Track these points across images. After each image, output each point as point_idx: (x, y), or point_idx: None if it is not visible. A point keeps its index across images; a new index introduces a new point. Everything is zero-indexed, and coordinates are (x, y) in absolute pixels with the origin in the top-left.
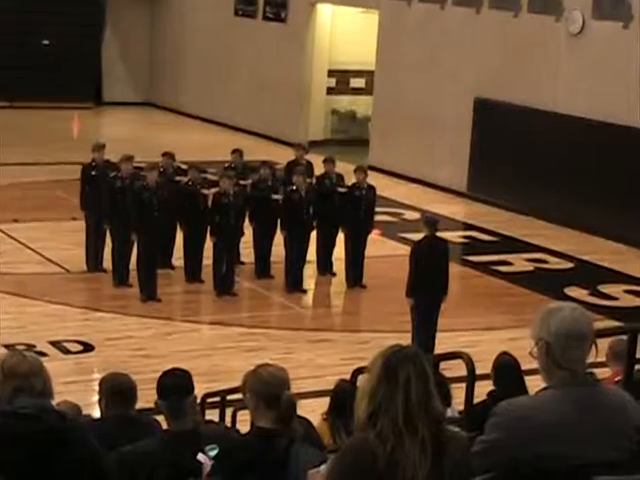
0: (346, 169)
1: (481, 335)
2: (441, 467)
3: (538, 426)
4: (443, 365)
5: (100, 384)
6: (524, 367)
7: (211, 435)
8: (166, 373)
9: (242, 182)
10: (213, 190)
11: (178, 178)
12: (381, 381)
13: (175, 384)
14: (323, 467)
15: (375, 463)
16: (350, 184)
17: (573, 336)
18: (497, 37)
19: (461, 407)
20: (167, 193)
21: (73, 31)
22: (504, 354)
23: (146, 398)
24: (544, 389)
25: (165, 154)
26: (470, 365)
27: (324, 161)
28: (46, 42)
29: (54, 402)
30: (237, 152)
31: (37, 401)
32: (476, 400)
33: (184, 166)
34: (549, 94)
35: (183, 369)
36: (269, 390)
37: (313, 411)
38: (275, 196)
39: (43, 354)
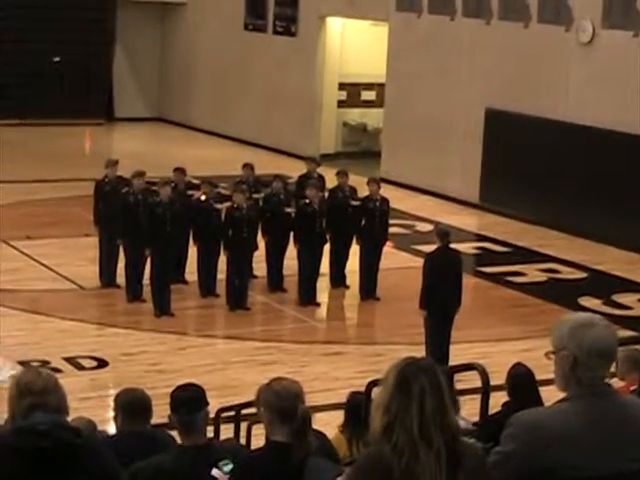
0: (358, 181)
1: (495, 346)
2: (457, 478)
3: (554, 437)
4: (457, 376)
5: (115, 400)
6: (538, 377)
7: (224, 450)
8: (179, 388)
9: (255, 196)
10: (226, 204)
11: (190, 193)
12: (395, 393)
13: (188, 399)
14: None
15: (390, 476)
16: (363, 196)
17: (605, 356)
18: (507, 48)
19: (475, 418)
20: (180, 208)
21: (84, 48)
22: (519, 365)
23: (161, 413)
24: (560, 401)
25: (177, 169)
26: (484, 376)
27: (337, 174)
28: (57, 59)
29: (69, 418)
30: (248, 166)
31: (52, 417)
32: (491, 411)
33: (196, 181)
34: (560, 104)
35: (196, 384)
36: (283, 404)
37: (327, 424)
38: (288, 209)
39: (57, 370)
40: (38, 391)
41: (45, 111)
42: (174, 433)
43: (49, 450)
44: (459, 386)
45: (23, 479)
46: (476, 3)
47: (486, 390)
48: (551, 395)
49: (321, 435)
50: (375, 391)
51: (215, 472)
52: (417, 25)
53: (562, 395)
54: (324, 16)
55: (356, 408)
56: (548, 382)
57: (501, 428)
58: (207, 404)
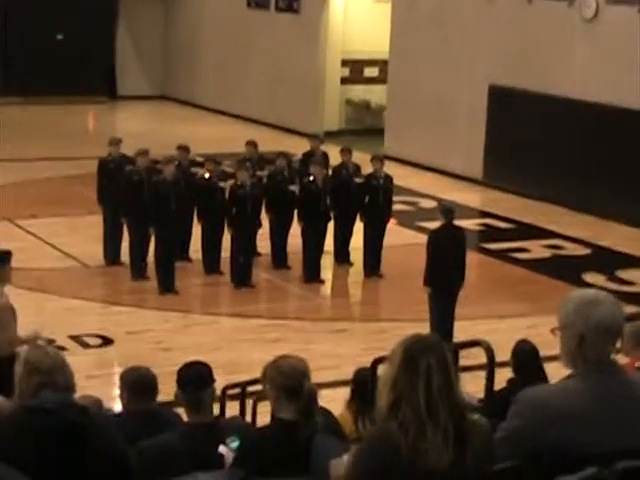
0: (361, 159)
1: (499, 323)
2: (464, 455)
3: (559, 414)
4: (461, 352)
5: (121, 378)
6: (543, 354)
7: (231, 427)
8: (186, 365)
9: (259, 173)
10: (230, 182)
11: (194, 170)
12: (402, 370)
13: (194, 376)
14: (346, 457)
15: (398, 452)
16: (367, 174)
17: (611, 333)
18: (511, 24)
19: (480, 394)
20: (184, 186)
21: (87, 25)
22: (523, 341)
23: (166, 391)
24: (567, 378)
25: (180, 147)
26: (490, 353)
27: (341, 151)
28: (60, 37)
29: (76, 396)
30: (252, 144)
31: (60, 396)
32: (495, 387)
33: (199, 159)
34: (563, 80)
35: (203, 362)
36: (289, 382)
37: (333, 401)
38: (292, 187)
39: (63, 348)
40: (46, 370)
41: (48, 89)
42: (180, 410)
43: (57, 428)
44: (463, 362)
45: (31, 457)
46: None
47: (491, 367)
48: (555, 371)
49: (327, 412)
50: (381, 368)
51: (222, 449)
52: (420, 1)
53: (567, 371)
54: None
55: (362, 385)
56: (553, 358)
57: (506, 404)
58: (214, 381)
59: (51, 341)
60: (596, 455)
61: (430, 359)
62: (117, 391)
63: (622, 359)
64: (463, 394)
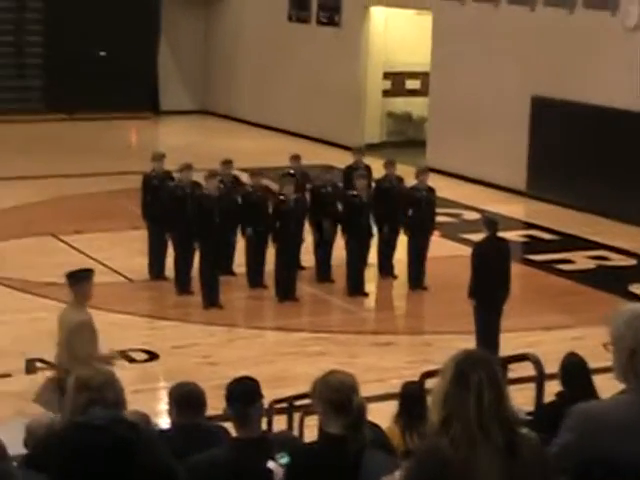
0: (404, 171)
1: (545, 334)
2: (515, 471)
3: (610, 427)
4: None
5: (169, 393)
6: (591, 366)
7: (279, 442)
8: (234, 381)
9: (308, 186)
10: (274, 197)
11: (246, 182)
12: (453, 386)
13: (242, 392)
14: (397, 473)
15: (449, 468)
16: (410, 186)
17: None
18: (552, 34)
19: (527, 408)
20: (228, 200)
21: (129, 42)
22: (572, 354)
23: (213, 405)
24: (620, 393)
25: (224, 162)
26: (539, 367)
27: (385, 164)
28: (103, 53)
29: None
30: (296, 158)
31: (110, 412)
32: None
33: (242, 173)
34: (606, 89)
35: (251, 377)
36: (338, 396)
37: (379, 414)
38: (338, 205)
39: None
40: (96, 386)
41: (92, 105)
42: (228, 425)
43: (106, 444)
44: (510, 375)
45: (79, 473)
46: None
47: (540, 381)
48: (603, 383)
49: (376, 427)
50: (431, 382)
51: (271, 464)
52: (461, 13)
53: (617, 382)
54: (367, 5)
55: (410, 398)
56: (600, 370)
57: (555, 418)
58: (262, 397)
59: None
60: None
61: (481, 374)
62: (163, 406)
63: None
64: (513, 408)
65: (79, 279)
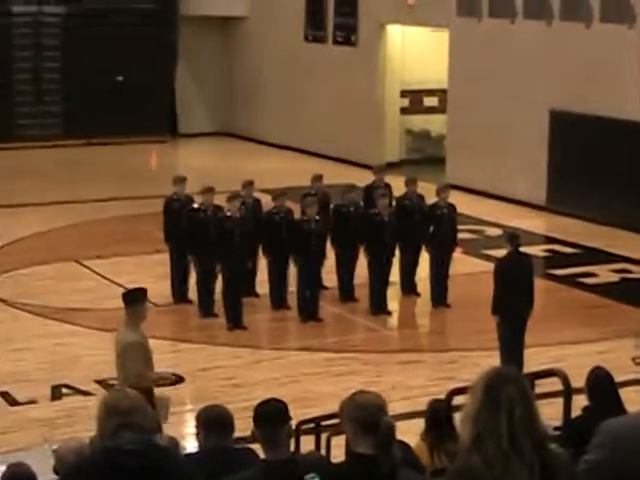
0: (424, 188)
1: (570, 349)
2: None
3: None
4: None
5: (197, 416)
6: (617, 379)
7: (308, 463)
8: (262, 403)
9: (331, 206)
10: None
11: (272, 203)
12: (484, 404)
13: (270, 413)
14: None
15: None
16: (430, 204)
17: None
18: (570, 48)
19: (554, 423)
20: (249, 222)
21: (146, 65)
22: (598, 368)
23: (239, 427)
24: None
25: (246, 183)
26: (566, 383)
27: (406, 182)
28: (120, 78)
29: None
30: (318, 178)
31: (140, 437)
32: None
33: (263, 194)
34: (625, 103)
35: (278, 399)
36: (366, 416)
37: (406, 433)
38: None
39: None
40: (125, 411)
41: (110, 130)
42: (255, 447)
43: (136, 468)
44: (537, 390)
45: None
46: (537, 5)
47: (568, 396)
48: (630, 396)
49: (405, 445)
50: (458, 400)
51: None
52: (478, 29)
53: None
54: (384, 24)
55: (437, 416)
56: (627, 383)
57: (583, 433)
58: (290, 419)
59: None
60: None
61: (511, 391)
62: (190, 429)
63: None
64: (544, 425)
65: (134, 299)
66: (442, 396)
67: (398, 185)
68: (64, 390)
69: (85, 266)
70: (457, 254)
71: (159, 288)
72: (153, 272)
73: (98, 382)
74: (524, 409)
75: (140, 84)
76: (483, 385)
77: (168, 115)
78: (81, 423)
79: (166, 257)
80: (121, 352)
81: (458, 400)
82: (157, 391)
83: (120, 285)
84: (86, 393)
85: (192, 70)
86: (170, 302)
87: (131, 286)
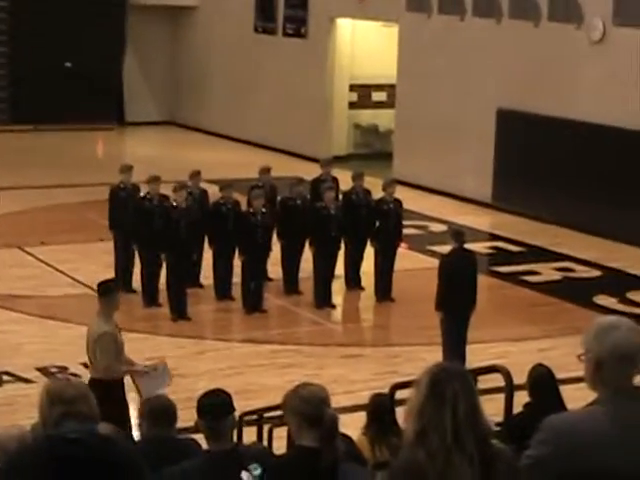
0: (371, 183)
1: (512, 346)
2: None
3: (583, 442)
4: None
5: (140, 407)
6: (558, 377)
7: (251, 454)
8: (206, 394)
9: (283, 197)
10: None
11: (219, 194)
12: (428, 398)
13: (215, 404)
14: None
15: None
16: (377, 198)
17: (627, 358)
18: (518, 47)
19: (496, 419)
20: (195, 212)
21: (94, 53)
22: (539, 365)
23: (182, 417)
24: (590, 404)
25: (193, 173)
26: (508, 379)
27: (353, 176)
28: (68, 64)
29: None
30: (266, 170)
31: (84, 426)
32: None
33: (210, 185)
34: (571, 102)
35: (223, 390)
36: (310, 409)
37: (348, 426)
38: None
39: (76, 376)
40: (69, 399)
41: (58, 117)
42: (199, 437)
43: (80, 457)
44: (478, 386)
45: None
46: (486, 3)
47: (510, 393)
48: (571, 394)
49: (348, 439)
50: (401, 394)
51: (245, 476)
52: (427, 25)
53: (584, 393)
54: (334, 17)
55: (379, 410)
56: (568, 381)
57: (524, 429)
58: (234, 410)
59: (64, 368)
60: None
61: (456, 387)
62: (135, 420)
63: None
64: (487, 420)
65: (108, 290)
66: (384, 390)
67: (345, 179)
68: (5, 377)
69: (29, 253)
70: (402, 249)
71: (103, 276)
72: (97, 260)
73: (39, 370)
74: (468, 404)
75: (88, 71)
76: (428, 380)
77: (116, 103)
78: (22, 411)
79: (110, 245)
80: (93, 343)
81: (401, 394)
82: (151, 363)
83: (63, 273)
84: (27, 381)
85: (140, 59)
86: None
87: (74, 274)
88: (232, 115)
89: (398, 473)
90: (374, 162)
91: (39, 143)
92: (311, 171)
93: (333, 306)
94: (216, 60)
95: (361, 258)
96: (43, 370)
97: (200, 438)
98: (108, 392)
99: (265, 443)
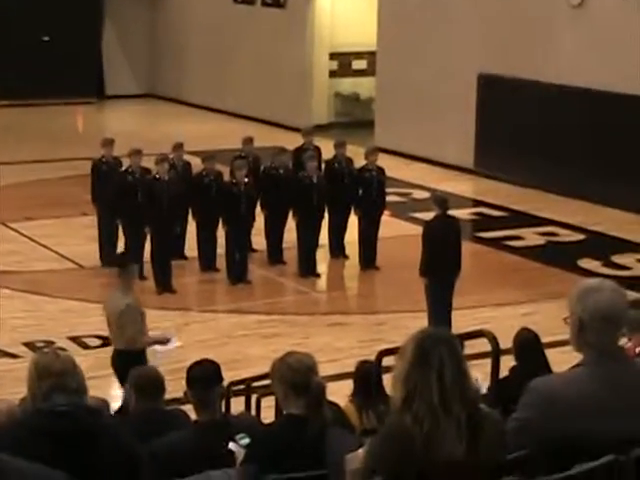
0: (353, 152)
1: (496, 311)
2: (477, 446)
3: (569, 404)
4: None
5: (128, 378)
6: (543, 340)
7: (240, 424)
8: (194, 364)
9: (260, 168)
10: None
11: (201, 166)
12: (414, 364)
13: (203, 375)
14: (361, 451)
15: (412, 445)
16: (359, 166)
17: (609, 319)
18: (498, 12)
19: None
20: (178, 184)
21: (73, 26)
22: (525, 329)
23: (169, 388)
24: (575, 366)
25: (176, 145)
26: (494, 344)
27: (335, 145)
28: (46, 38)
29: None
30: (248, 140)
31: (72, 399)
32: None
33: (193, 157)
34: (552, 66)
35: (211, 360)
36: (298, 377)
37: (334, 394)
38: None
39: (63, 350)
40: (57, 373)
41: (36, 91)
42: (187, 408)
43: (69, 430)
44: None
45: (43, 460)
46: None
47: (496, 357)
48: (556, 357)
49: (335, 406)
50: (388, 361)
51: (232, 446)
52: None
53: (569, 356)
54: None
55: (366, 377)
56: (553, 344)
57: (510, 393)
58: (222, 380)
59: (50, 343)
60: (607, 443)
61: (442, 352)
62: (119, 390)
63: (626, 344)
64: (475, 385)
65: (125, 263)
66: (370, 358)
67: (327, 148)
68: None
69: (12, 228)
70: (385, 217)
71: (87, 251)
72: (80, 234)
73: (26, 345)
74: (454, 369)
75: (66, 44)
76: (414, 346)
77: (95, 76)
78: (8, 385)
79: (93, 220)
80: (116, 316)
81: (387, 361)
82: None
83: (47, 247)
84: (13, 356)
85: (118, 31)
86: (98, 265)
87: (58, 248)
88: (212, 86)
89: (386, 439)
90: (355, 130)
91: (18, 118)
92: (293, 141)
93: (318, 275)
94: (195, 31)
95: (345, 227)
96: (29, 345)
97: (189, 409)
98: (133, 362)
99: (253, 413)
